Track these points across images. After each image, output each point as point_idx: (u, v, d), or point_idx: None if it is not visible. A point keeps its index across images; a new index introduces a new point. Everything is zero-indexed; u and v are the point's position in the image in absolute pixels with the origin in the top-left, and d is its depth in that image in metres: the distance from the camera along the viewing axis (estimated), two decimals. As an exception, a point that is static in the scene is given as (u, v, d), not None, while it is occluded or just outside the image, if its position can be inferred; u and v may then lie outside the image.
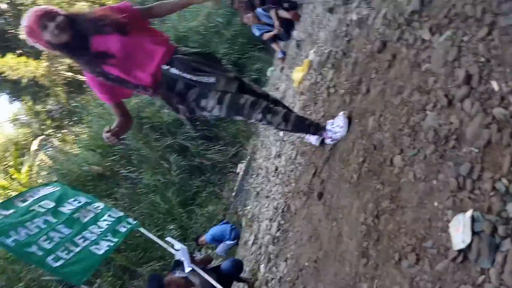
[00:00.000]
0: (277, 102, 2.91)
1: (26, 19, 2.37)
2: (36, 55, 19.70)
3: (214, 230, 6.41)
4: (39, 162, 12.13)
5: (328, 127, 2.77)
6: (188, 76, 2.50)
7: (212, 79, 2.52)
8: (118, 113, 2.71)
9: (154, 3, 2.63)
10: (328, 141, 2.85)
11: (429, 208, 1.61)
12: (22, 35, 2.46)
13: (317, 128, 2.78)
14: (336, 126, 2.74)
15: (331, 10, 4.31)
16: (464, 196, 1.44)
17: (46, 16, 2.33)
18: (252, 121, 2.65)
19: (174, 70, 2.50)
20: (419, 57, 2.09)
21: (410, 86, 2.08)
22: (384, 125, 2.21)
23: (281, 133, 5.03)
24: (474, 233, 1.30)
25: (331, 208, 2.59)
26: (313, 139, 3.12)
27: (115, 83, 2.50)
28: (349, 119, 2.72)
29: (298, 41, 5.92)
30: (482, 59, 1.61)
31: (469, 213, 1.35)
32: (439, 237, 1.49)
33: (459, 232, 1.34)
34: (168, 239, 3.95)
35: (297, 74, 4.70)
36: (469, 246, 1.30)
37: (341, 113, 2.79)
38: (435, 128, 1.74)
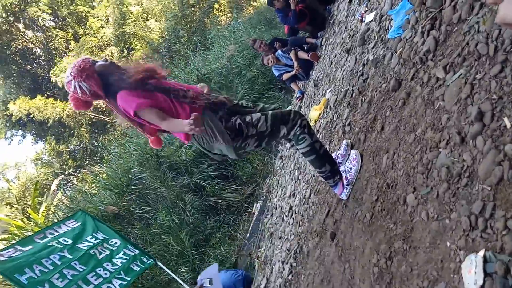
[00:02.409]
0: None
1: (73, 64, 2.53)
2: (64, 96, 20.46)
3: (225, 280, 6.20)
4: (57, 202, 12.26)
5: (342, 168, 2.79)
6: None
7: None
8: None
9: None
10: (344, 193, 2.75)
11: (441, 248, 1.54)
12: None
13: (338, 171, 2.75)
14: (349, 162, 2.77)
15: (348, 51, 4.37)
16: (476, 235, 1.37)
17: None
18: (296, 127, 2.52)
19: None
20: (433, 95, 2.08)
21: (423, 123, 2.06)
22: (398, 163, 2.17)
23: (296, 172, 4.98)
24: (486, 274, 1.23)
25: (344, 249, 2.51)
26: (342, 191, 2.79)
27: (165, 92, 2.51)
28: (361, 156, 2.74)
29: (316, 81, 5.98)
30: (495, 96, 1.58)
31: (481, 253, 1.28)
32: (451, 279, 1.41)
33: (472, 273, 1.26)
34: None
35: (314, 112, 4.72)
36: (481, 288, 1.22)
37: (352, 150, 2.85)
38: (448, 166, 1.70)
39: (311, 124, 4.68)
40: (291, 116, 2.54)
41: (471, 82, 1.78)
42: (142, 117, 2.44)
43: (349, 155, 2.89)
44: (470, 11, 2.04)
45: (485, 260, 1.26)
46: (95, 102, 2.72)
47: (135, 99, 2.40)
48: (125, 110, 2.45)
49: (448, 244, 1.51)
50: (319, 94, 5.42)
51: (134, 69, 2.54)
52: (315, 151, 2.60)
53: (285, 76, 6.87)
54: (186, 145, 8.42)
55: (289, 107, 7.93)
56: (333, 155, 2.98)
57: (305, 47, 6.94)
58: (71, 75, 2.48)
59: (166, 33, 18.68)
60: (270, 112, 2.55)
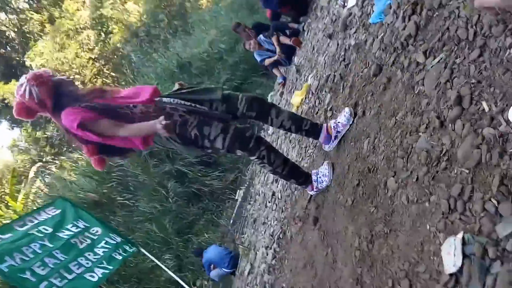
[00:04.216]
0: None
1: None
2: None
3: (213, 254, 6.31)
4: (36, 189, 12.10)
5: (314, 177, 2.79)
6: (181, 102, 2.53)
7: (203, 108, 2.53)
8: None
9: None
10: (313, 192, 2.86)
11: (421, 231, 1.57)
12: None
13: (306, 179, 2.78)
14: (321, 176, 2.77)
15: (330, 36, 4.35)
16: (455, 218, 1.40)
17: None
18: (253, 157, 2.51)
19: (165, 99, 2.54)
20: (413, 80, 2.09)
21: (404, 108, 2.07)
22: (379, 147, 2.19)
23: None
24: (465, 256, 1.26)
25: (327, 234, 2.54)
26: (311, 190, 2.87)
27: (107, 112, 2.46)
28: (333, 168, 2.74)
29: (298, 66, 5.97)
30: (473, 81, 1.60)
31: (460, 235, 1.31)
32: (431, 261, 1.44)
33: (451, 255, 1.29)
34: None
35: (296, 98, 4.72)
36: (460, 270, 1.26)
37: (325, 162, 2.82)
38: (428, 150, 1.72)
39: (294, 109, 4.68)
40: (249, 145, 2.46)
41: (451, 66, 1.79)
42: (92, 129, 2.38)
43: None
44: (450, -4, 2.05)
45: (464, 242, 1.29)
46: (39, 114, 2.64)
47: (82, 113, 2.37)
48: (68, 125, 2.40)
49: (428, 227, 1.54)
50: (301, 80, 5.42)
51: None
52: (277, 173, 2.65)
53: (267, 62, 6.84)
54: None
55: (271, 93, 7.92)
56: (332, 122, 2.80)
57: (288, 32, 6.90)
58: (25, 78, 2.45)
59: (145, 17, 18.36)
60: (231, 131, 2.44)
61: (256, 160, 2.54)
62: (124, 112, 2.46)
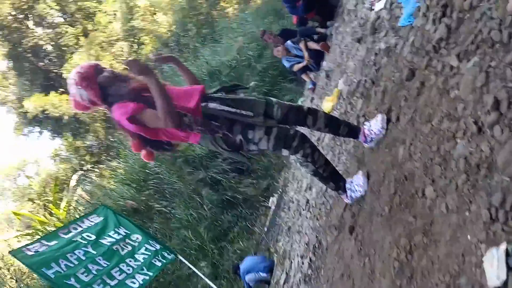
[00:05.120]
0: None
1: (80, 67, 2.57)
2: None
3: (248, 262, 6.34)
4: (77, 197, 12.50)
5: (348, 185, 2.77)
6: (226, 108, 2.53)
7: (249, 113, 2.53)
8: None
9: None
10: (347, 200, 2.82)
11: (462, 242, 1.52)
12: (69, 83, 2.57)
13: (344, 185, 2.77)
14: (355, 185, 2.74)
15: (359, 40, 4.31)
16: (497, 228, 1.35)
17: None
18: (297, 155, 2.52)
19: (212, 105, 2.54)
20: (448, 84, 2.04)
21: (439, 113, 2.03)
22: (415, 154, 2.15)
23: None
24: (509, 268, 1.21)
25: (363, 243, 2.50)
26: (346, 198, 2.84)
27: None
28: (368, 176, 2.70)
29: (327, 71, 5.94)
30: (510, 84, 1.55)
31: (503, 246, 1.26)
32: (473, 273, 1.40)
33: (494, 267, 1.25)
34: None
35: (327, 103, 4.69)
36: (505, 283, 1.21)
37: (360, 171, 2.79)
38: (466, 157, 1.67)
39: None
40: (294, 143, 2.49)
41: (486, 70, 1.74)
42: (140, 120, 2.43)
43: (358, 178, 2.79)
44: (482, -3, 2.00)
45: (508, 254, 1.24)
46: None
47: (131, 105, 2.42)
48: (118, 118, 2.47)
49: (469, 237, 1.49)
50: (331, 85, 5.39)
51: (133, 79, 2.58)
52: (318, 174, 2.65)
53: (296, 67, 6.84)
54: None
55: (300, 99, 7.89)
56: (366, 129, 2.79)
57: (315, 37, 6.87)
58: (74, 79, 2.51)
59: (174, 27, 18.69)
60: (274, 132, 2.49)
61: (300, 158, 2.54)
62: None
